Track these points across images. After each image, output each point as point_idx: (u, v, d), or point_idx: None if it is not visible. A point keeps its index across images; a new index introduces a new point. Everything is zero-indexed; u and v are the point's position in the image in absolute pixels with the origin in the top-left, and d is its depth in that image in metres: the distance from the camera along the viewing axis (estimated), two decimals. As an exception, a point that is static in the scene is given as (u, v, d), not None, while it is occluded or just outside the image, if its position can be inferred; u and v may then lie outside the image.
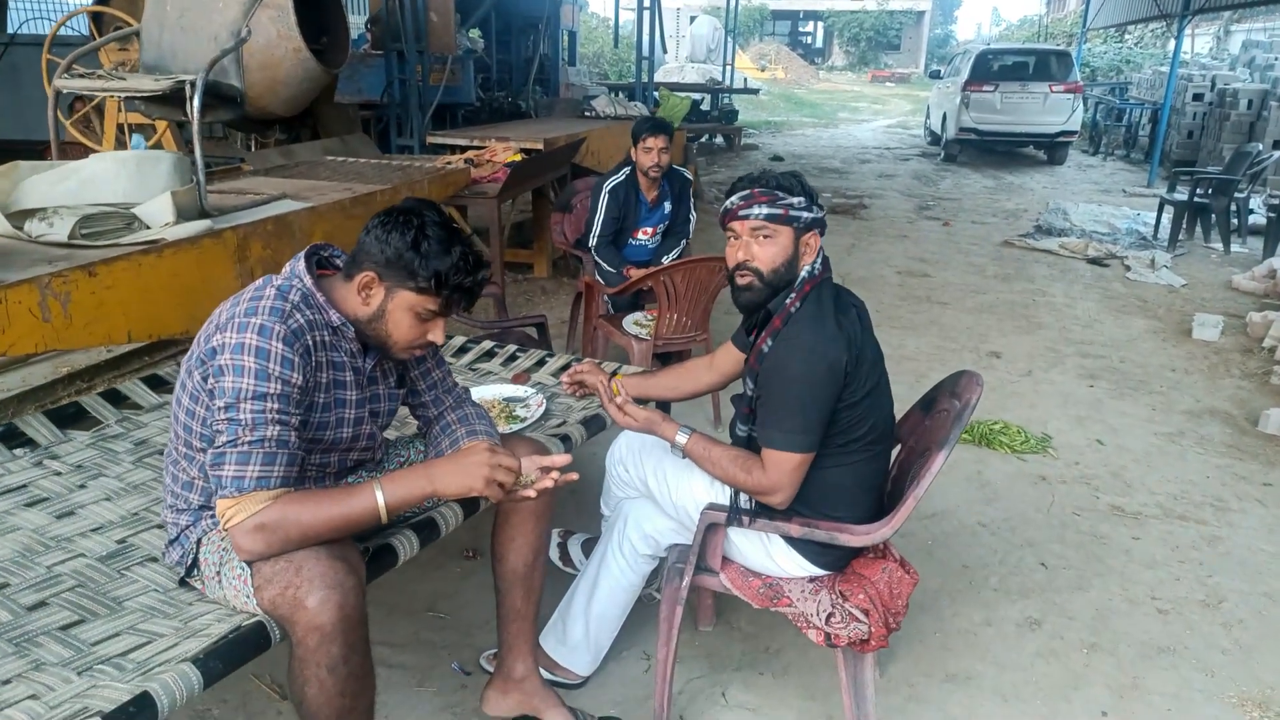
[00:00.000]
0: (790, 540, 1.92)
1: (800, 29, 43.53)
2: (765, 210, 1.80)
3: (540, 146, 5.63)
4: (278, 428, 1.47)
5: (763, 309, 1.90)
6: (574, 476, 1.70)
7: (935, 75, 16.11)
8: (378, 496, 1.49)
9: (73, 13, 4.66)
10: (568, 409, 2.44)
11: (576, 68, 14.53)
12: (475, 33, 12.86)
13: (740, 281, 1.86)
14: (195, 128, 3.00)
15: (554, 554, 2.64)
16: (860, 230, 8.40)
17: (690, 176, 4.36)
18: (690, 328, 3.76)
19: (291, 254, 3.29)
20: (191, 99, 2.99)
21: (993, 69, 13.38)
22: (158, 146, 4.59)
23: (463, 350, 2.85)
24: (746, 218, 1.82)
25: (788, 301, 1.82)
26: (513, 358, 2.79)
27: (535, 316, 3.27)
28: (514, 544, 1.90)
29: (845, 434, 1.84)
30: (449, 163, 5.04)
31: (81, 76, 3.23)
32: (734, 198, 1.84)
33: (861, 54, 40.28)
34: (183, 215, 2.99)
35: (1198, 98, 12.59)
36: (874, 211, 9.45)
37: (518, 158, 5.27)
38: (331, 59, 5.47)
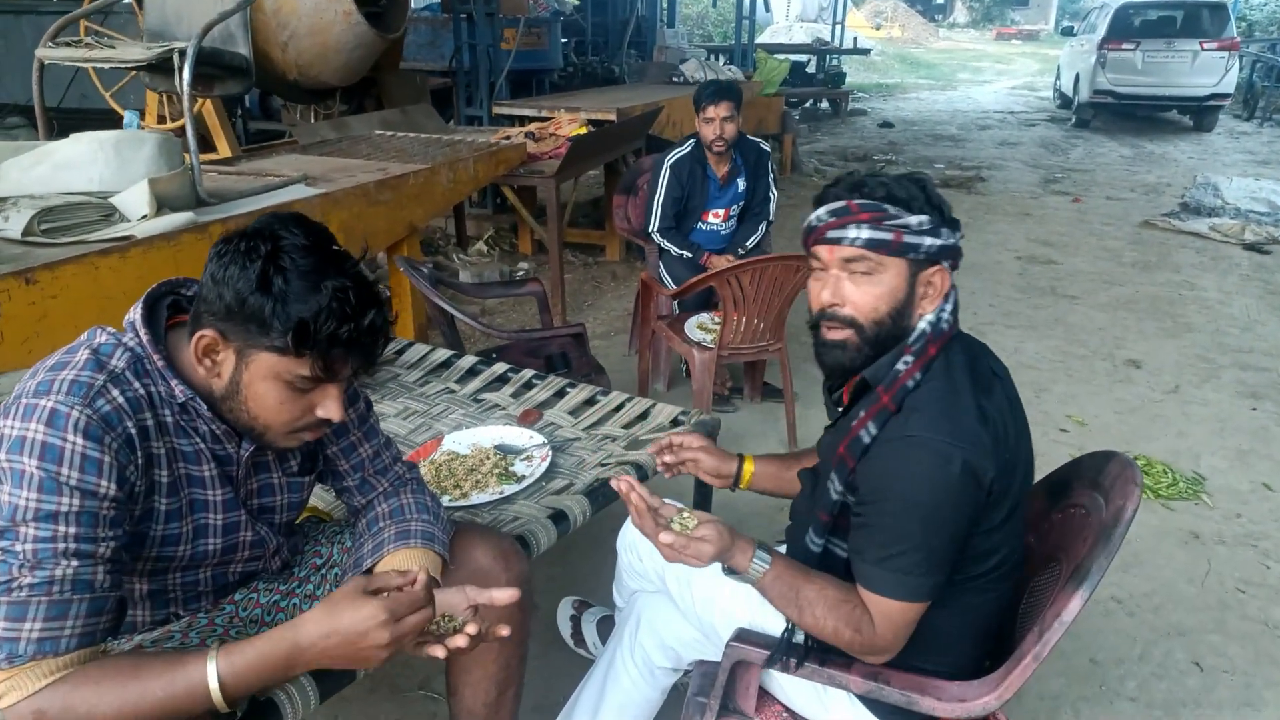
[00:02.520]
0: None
1: (920, -16, 41.21)
2: (866, 234, 1.27)
3: (612, 117, 5.12)
4: (74, 563, 1.01)
5: (856, 371, 1.36)
6: (504, 632, 1.19)
7: (1068, 32, 14.81)
8: (209, 677, 1.01)
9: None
10: (579, 465, 1.93)
11: (675, 29, 13.86)
12: (572, -7, 12.41)
13: (827, 335, 1.34)
14: (185, 103, 2.59)
15: (565, 629, 2.19)
16: (976, 207, 7.57)
17: (767, 148, 3.83)
18: (762, 334, 3.24)
19: (297, 249, 2.93)
20: (180, 70, 2.58)
21: (1134, 24, 12.09)
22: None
23: (471, 373, 2.37)
24: (837, 242, 1.29)
25: (901, 370, 1.29)
26: (528, 386, 2.30)
27: (572, 326, 2.76)
28: (469, 677, 1.41)
29: (964, 569, 1.30)
30: (507, 136, 4.59)
31: (66, 45, 2.87)
32: (821, 210, 1.32)
33: (986, 10, 37.90)
34: (169, 205, 2.59)
35: (1379, 54, 11.04)
36: (993, 185, 8.58)
37: (583, 130, 4.79)
38: (390, 23, 5.08)
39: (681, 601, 1.60)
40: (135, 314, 1.14)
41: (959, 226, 1.31)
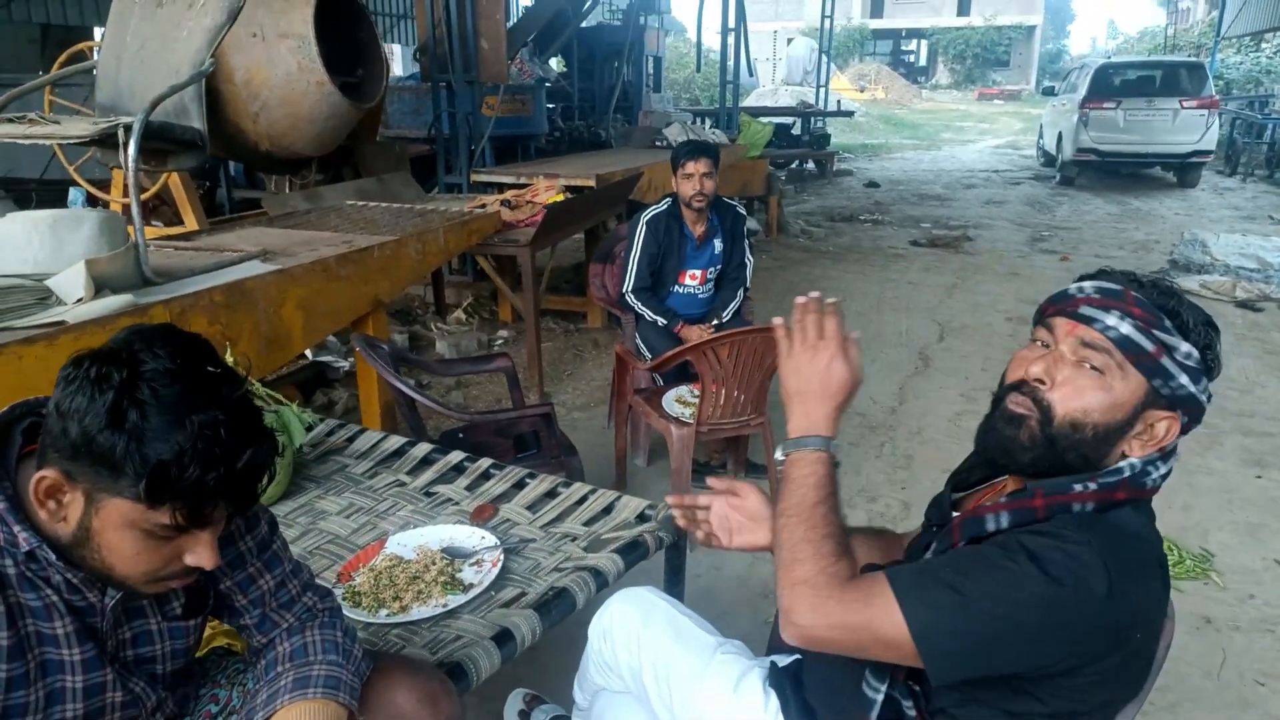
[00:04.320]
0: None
1: (903, 48, 42.09)
2: (1127, 329, 1.10)
3: (591, 183, 5.04)
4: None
5: (1014, 468, 1.20)
6: None
7: (1049, 92, 14.99)
8: None
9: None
10: (533, 570, 1.76)
11: (660, 94, 14.01)
12: (558, 61, 12.53)
13: (1011, 407, 1.16)
14: (129, 178, 2.46)
15: (516, 729, 1.98)
16: (964, 267, 7.50)
17: (743, 211, 3.83)
18: (744, 408, 3.10)
19: (250, 332, 2.76)
20: (126, 145, 2.46)
21: (1114, 84, 12.22)
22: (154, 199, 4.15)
23: (425, 463, 2.21)
24: (1088, 321, 1.12)
25: (1075, 488, 1.11)
26: (485, 476, 2.13)
27: (540, 406, 2.61)
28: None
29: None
30: (482, 205, 4.49)
31: (9, 121, 2.75)
32: (1089, 284, 1.15)
33: (968, 71, 38.64)
34: (110, 286, 2.44)
35: (1357, 110, 11.15)
36: (980, 244, 8.54)
37: (559, 198, 4.67)
38: (366, 92, 5.03)
39: (658, 700, 1.45)
40: None
41: (1210, 373, 1.13)
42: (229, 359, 1.93)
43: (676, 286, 3.70)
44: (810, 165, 14.02)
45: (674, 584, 1.90)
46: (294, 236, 3.53)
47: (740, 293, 3.75)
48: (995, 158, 16.95)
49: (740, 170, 8.09)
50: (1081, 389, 1.11)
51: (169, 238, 3.57)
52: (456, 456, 2.21)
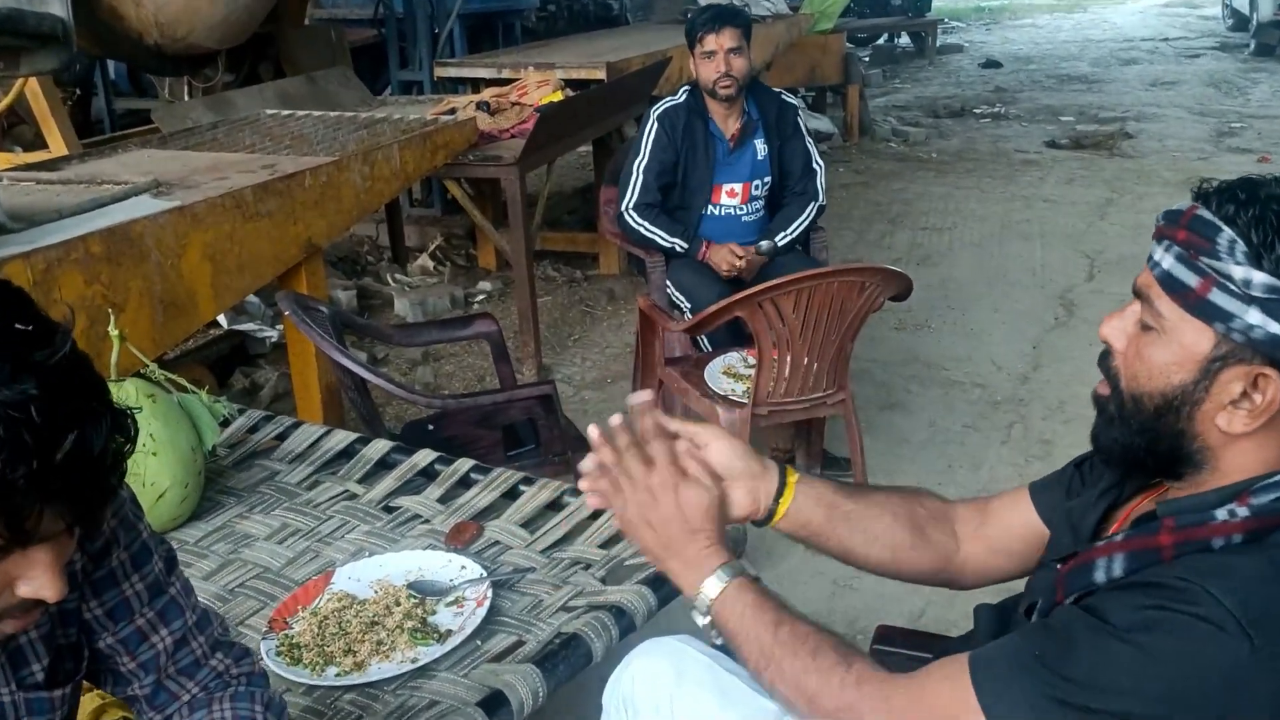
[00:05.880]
0: None
1: None
2: (1169, 263, 1.15)
3: (600, 75, 5.10)
4: None
5: (1139, 474, 1.29)
6: None
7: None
8: None
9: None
10: (533, 610, 1.78)
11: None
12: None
13: (1097, 390, 1.27)
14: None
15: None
16: (1121, 176, 7.46)
17: (793, 99, 3.90)
18: (818, 381, 3.12)
19: (141, 293, 2.78)
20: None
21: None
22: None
23: (383, 466, 2.23)
24: (1150, 262, 1.18)
25: (1216, 518, 1.14)
26: (464, 483, 2.15)
27: (539, 384, 2.65)
28: None
29: None
30: (451, 110, 4.52)
31: None
32: (1178, 206, 1.19)
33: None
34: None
35: None
36: (1143, 143, 8.49)
37: (556, 97, 4.71)
38: (286, -41, 5.04)
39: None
40: None
41: None
42: (112, 333, 1.94)
43: (711, 207, 3.70)
44: (904, 40, 13.94)
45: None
46: (196, 161, 3.53)
47: (810, 208, 3.74)
48: (1163, 20, 16.74)
49: (806, 50, 8.04)
50: (1141, 349, 1.17)
51: (27, 167, 3.59)
52: (425, 458, 2.22)
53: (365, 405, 2.76)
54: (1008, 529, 1.53)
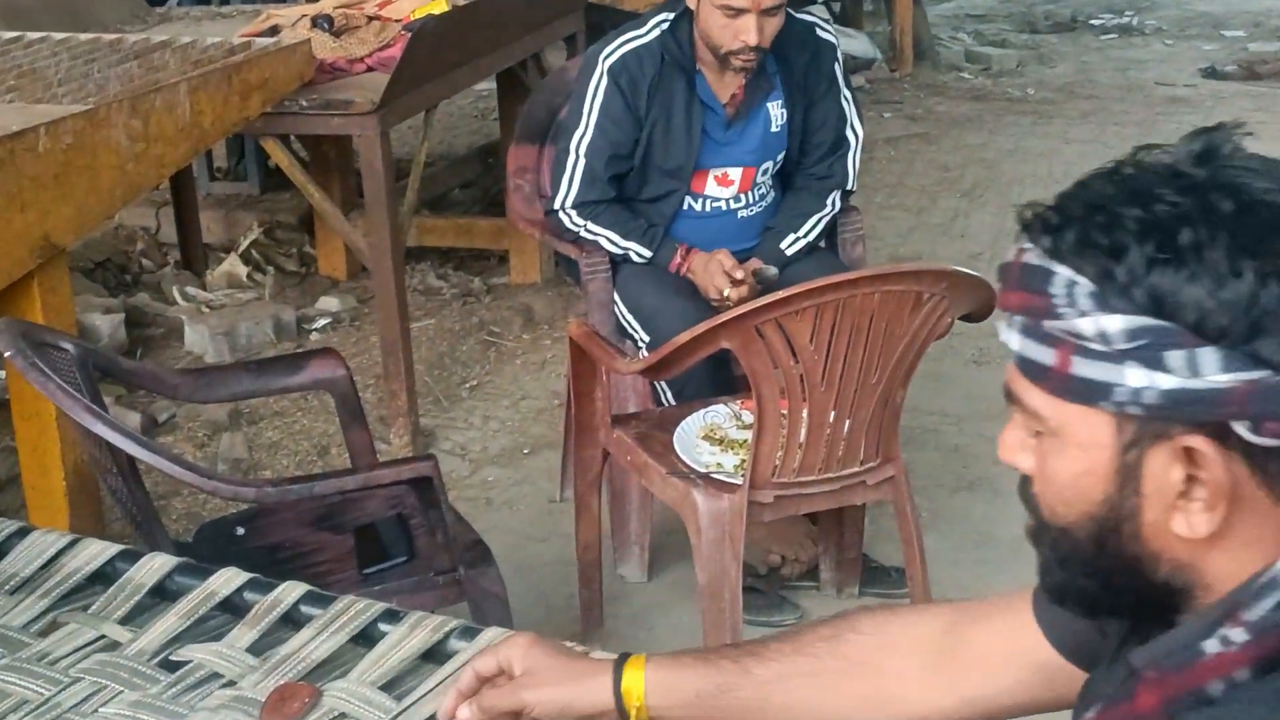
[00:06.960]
0: None
1: None
2: (1017, 343, 1.18)
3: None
4: None
5: (1113, 617, 1.32)
6: None
7: None
8: None
9: None
10: None
11: None
12: None
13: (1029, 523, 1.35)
14: None
15: None
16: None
17: (830, 34, 3.76)
18: (855, 450, 3.11)
19: None
20: None
21: None
22: None
23: (158, 596, 2.14)
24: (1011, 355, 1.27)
25: (1207, 652, 1.13)
26: (287, 621, 2.09)
27: (413, 461, 3.10)
28: None
29: None
30: (273, 29, 4.54)
31: None
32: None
33: None
34: None
35: None
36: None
37: (442, 5, 4.68)
38: None
39: None
40: None
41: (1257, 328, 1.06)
42: None
43: (691, 199, 3.62)
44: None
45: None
46: None
47: (833, 200, 3.67)
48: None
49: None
50: (1043, 468, 1.27)
51: None
52: (230, 582, 2.12)
53: (136, 498, 2.74)
54: (1015, 652, 1.60)
